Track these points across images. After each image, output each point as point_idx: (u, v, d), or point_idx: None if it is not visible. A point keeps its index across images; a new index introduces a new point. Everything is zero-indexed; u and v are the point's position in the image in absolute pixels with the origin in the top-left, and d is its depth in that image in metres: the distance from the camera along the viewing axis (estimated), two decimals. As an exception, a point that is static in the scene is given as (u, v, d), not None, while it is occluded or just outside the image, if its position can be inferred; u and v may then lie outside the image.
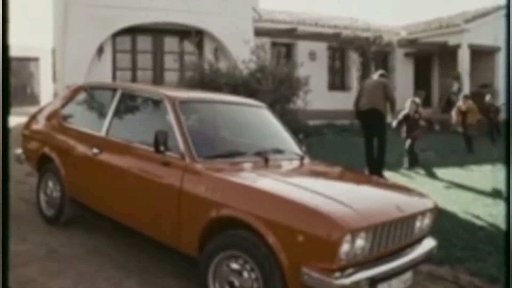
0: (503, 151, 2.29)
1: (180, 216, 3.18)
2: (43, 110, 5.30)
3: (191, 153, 3.28)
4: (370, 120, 7.50)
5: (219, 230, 2.93)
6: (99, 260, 3.82)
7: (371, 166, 7.39)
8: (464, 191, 6.81)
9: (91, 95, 4.78)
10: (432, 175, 7.96)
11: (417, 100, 9.82)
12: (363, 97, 7.57)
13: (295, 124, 8.21)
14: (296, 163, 3.89)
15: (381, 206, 3.00)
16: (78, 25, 11.24)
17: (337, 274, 2.49)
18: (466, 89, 15.93)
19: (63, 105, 4.87)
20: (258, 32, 13.12)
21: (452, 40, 16.61)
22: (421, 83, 17.50)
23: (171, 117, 3.51)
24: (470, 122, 11.04)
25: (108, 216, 4.02)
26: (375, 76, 7.97)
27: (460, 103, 11.34)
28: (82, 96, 4.80)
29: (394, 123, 9.41)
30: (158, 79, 12.67)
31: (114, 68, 12.50)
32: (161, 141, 3.24)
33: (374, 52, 15.09)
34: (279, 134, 4.27)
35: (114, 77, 12.32)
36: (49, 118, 4.91)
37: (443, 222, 4.66)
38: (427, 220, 3.20)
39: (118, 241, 4.24)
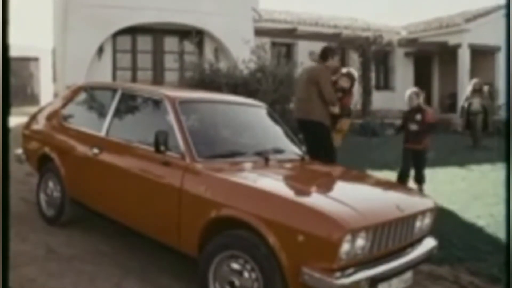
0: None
1: (180, 216, 3.18)
2: (43, 110, 5.30)
3: (191, 153, 3.28)
4: (308, 132, 5.36)
5: (219, 230, 2.93)
6: (99, 260, 3.81)
7: None
8: (464, 190, 6.80)
9: (91, 95, 4.78)
10: (432, 175, 7.95)
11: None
12: (296, 99, 5.58)
13: (295, 124, 8.20)
14: (296, 163, 3.89)
15: (381, 206, 2.99)
16: (78, 25, 11.25)
17: (338, 274, 2.49)
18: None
19: (63, 105, 4.87)
20: (258, 32, 13.13)
21: (452, 40, 16.61)
22: (421, 82, 17.49)
23: (171, 117, 3.51)
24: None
25: (108, 216, 4.01)
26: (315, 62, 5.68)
27: None
28: (82, 96, 4.80)
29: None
30: (158, 79, 12.67)
31: (114, 68, 12.51)
32: (161, 141, 3.24)
33: (374, 52, 15.10)
34: (279, 134, 4.27)
35: (114, 77, 12.33)
36: (49, 118, 4.91)
37: (443, 222, 4.66)
38: (427, 220, 3.20)
39: (118, 241, 4.23)
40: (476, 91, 10.51)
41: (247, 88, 8.95)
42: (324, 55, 5.44)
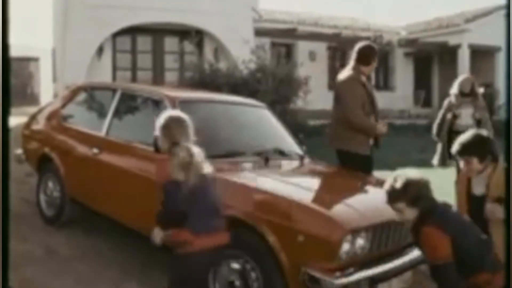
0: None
1: (180, 216, 3.18)
2: (43, 110, 5.30)
3: (191, 153, 3.27)
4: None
5: (219, 230, 2.93)
6: (99, 260, 3.81)
7: None
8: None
9: (91, 95, 4.78)
10: (432, 175, 7.96)
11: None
12: None
13: (295, 124, 8.21)
14: (296, 163, 3.89)
15: (381, 206, 2.98)
16: (78, 25, 11.25)
17: (337, 273, 2.49)
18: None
19: (63, 105, 4.87)
20: (258, 32, 13.12)
21: (452, 40, 16.61)
22: (421, 83, 17.51)
23: (171, 117, 3.51)
24: None
25: (108, 216, 4.01)
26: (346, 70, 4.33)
27: None
28: (82, 96, 4.81)
29: None
30: (158, 79, 12.67)
31: (114, 68, 12.52)
32: (161, 141, 3.24)
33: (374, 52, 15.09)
34: (279, 134, 4.27)
35: (114, 77, 12.33)
36: (49, 118, 4.91)
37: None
38: (427, 220, 3.20)
39: (117, 241, 4.23)
40: (465, 95, 6.23)
41: (247, 88, 8.95)
42: (364, 56, 4.15)
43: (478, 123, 6.07)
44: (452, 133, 6.12)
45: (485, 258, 2.40)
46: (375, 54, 4.20)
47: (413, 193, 2.39)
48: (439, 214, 2.40)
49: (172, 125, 2.54)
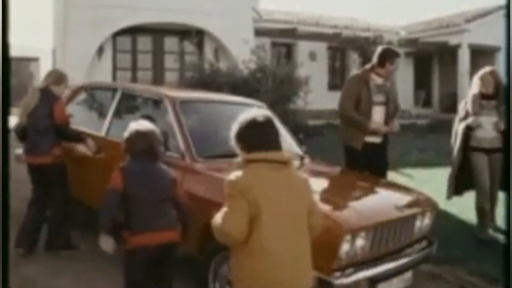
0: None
1: (180, 216, 3.18)
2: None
3: (191, 153, 3.28)
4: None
5: (219, 230, 2.92)
6: (99, 260, 3.81)
7: None
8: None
9: (91, 95, 4.78)
10: (432, 175, 7.96)
11: None
12: None
13: (295, 124, 8.22)
14: (296, 163, 3.88)
15: (381, 206, 3.00)
16: (78, 25, 11.26)
17: (337, 273, 2.49)
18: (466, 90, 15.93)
19: (63, 105, 4.86)
20: (258, 32, 13.12)
21: (452, 40, 16.61)
22: (421, 83, 17.51)
23: (171, 117, 3.52)
24: None
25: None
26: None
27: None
28: (82, 96, 4.81)
29: None
30: (158, 79, 12.68)
31: (114, 68, 12.52)
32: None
33: (374, 52, 15.08)
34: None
35: (114, 77, 12.34)
36: (49, 118, 4.90)
37: (443, 222, 4.65)
38: (427, 220, 3.20)
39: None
40: (488, 97, 4.54)
41: (247, 88, 8.95)
42: (379, 58, 4.41)
43: (505, 137, 4.15)
44: (468, 150, 4.61)
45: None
46: (391, 57, 4.45)
47: (130, 145, 2.66)
48: (128, 163, 2.63)
49: None
